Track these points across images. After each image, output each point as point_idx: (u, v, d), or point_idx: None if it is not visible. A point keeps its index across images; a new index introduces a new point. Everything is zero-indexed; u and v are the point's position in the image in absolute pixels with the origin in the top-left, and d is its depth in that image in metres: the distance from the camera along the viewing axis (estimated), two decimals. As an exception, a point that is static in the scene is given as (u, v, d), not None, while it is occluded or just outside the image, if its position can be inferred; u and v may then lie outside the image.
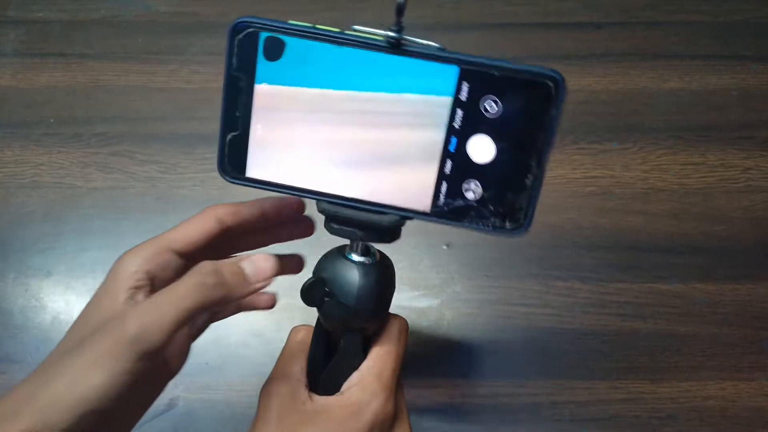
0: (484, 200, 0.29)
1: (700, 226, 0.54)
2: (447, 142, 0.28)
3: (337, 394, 0.31)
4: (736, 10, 0.63)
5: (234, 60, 0.28)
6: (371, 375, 0.31)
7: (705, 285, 0.52)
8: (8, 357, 0.50)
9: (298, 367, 0.32)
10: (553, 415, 0.48)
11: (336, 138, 0.29)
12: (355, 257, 0.32)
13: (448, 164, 0.28)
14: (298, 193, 0.30)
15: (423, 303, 0.52)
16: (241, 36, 0.28)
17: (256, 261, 0.29)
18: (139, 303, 0.28)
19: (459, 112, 0.28)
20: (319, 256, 0.34)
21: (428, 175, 0.29)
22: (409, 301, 0.52)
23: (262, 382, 0.33)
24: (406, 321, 0.34)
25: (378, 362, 0.31)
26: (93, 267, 0.53)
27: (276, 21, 0.28)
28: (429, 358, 0.50)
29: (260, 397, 0.32)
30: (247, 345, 0.49)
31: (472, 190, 0.29)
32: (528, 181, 0.28)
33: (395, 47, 0.27)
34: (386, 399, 0.30)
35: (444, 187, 0.29)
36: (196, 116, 0.59)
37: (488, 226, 0.29)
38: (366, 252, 0.32)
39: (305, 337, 0.34)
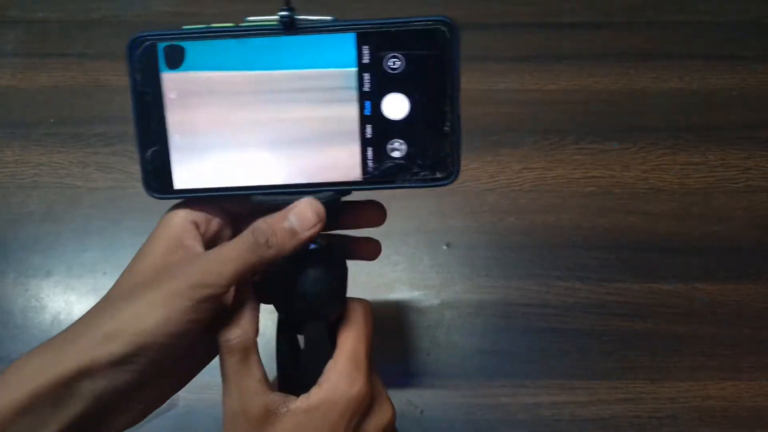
0: (411, 156, 0.30)
1: (700, 226, 0.54)
2: (362, 107, 0.29)
3: (315, 386, 0.30)
4: (736, 10, 0.63)
5: (137, 76, 0.29)
6: (345, 360, 0.30)
7: (705, 285, 0.52)
8: (8, 357, 0.50)
9: (255, 380, 0.29)
10: (553, 415, 0.48)
11: (255, 130, 0.30)
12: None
13: (368, 129, 0.29)
14: (231, 193, 0.31)
15: (423, 303, 0.52)
16: (138, 51, 0.29)
17: (301, 211, 0.30)
18: (200, 255, 0.30)
19: (366, 76, 0.29)
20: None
21: (352, 145, 0.30)
22: (409, 301, 0.52)
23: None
24: (368, 302, 0.33)
25: (349, 346, 0.31)
26: (93, 267, 0.53)
27: (170, 30, 0.29)
28: (429, 358, 0.50)
29: (224, 423, 0.30)
30: (247, 345, 0.49)
31: (398, 149, 0.30)
32: (447, 128, 0.29)
33: (290, 27, 0.28)
34: (364, 382, 0.30)
35: (370, 152, 0.30)
36: (196, 116, 0.59)
37: (420, 180, 0.30)
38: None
39: (241, 342, 0.30)
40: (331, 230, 0.35)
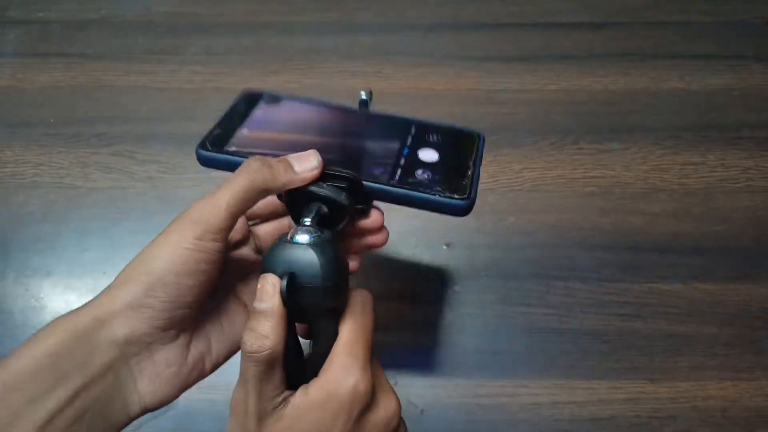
0: (434, 181, 0.34)
1: (700, 226, 0.54)
2: (401, 150, 0.36)
3: (314, 379, 0.30)
4: (736, 10, 0.63)
5: (240, 104, 0.38)
6: (342, 352, 0.30)
7: (705, 285, 0.52)
8: (8, 357, 0.50)
9: (274, 386, 0.30)
10: (553, 415, 0.48)
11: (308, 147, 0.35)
12: (302, 238, 0.31)
13: (402, 161, 0.35)
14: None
15: (423, 303, 0.52)
16: (249, 93, 0.39)
17: (303, 155, 0.32)
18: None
19: (410, 139, 0.37)
20: None
21: (386, 168, 0.35)
22: (409, 300, 0.52)
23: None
24: (368, 293, 0.33)
25: (346, 337, 0.31)
26: (93, 267, 0.53)
27: (279, 92, 0.40)
28: (429, 358, 0.50)
29: (233, 415, 0.31)
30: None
31: (422, 175, 0.35)
32: (470, 171, 0.35)
33: (365, 106, 0.39)
34: (362, 372, 0.30)
35: (399, 172, 0.34)
36: (196, 116, 0.59)
37: (438, 198, 0.33)
38: (310, 231, 0.31)
39: (271, 354, 0.29)
40: (343, 239, 0.36)
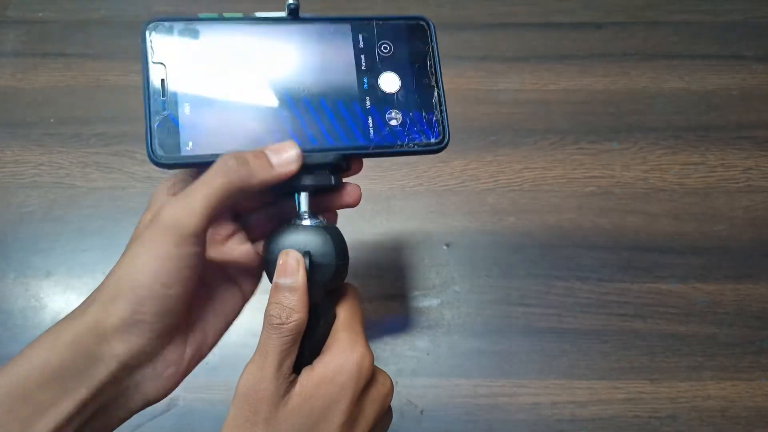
0: (407, 123, 0.34)
1: (700, 226, 0.54)
2: (360, 82, 0.34)
3: (317, 358, 0.31)
4: (736, 10, 0.63)
5: (151, 52, 0.31)
6: (345, 329, 0.31)
7: (705, 285, 0.52)
8: (8, 357, 0.50)
9: (291, 362, 0.30)
10: (553, 415, 0.48)
11: (265, 102, 0.32)
12: (311, 222, 0.32)
13: (367, 100, 0.34)
14: None
15: (423, 303, 0.52)
16: (156, 31, 0.31)
17: (280, 147, 0.31)
18: (171, 198, 0.30)
19: (362, 57, 0.34)
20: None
21: (355, 114, 0.33)
22: (409, 301, 0.52)
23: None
24: (353, 284, 0.35)
25: (345, 317, 0.32)
26: (93, 267, 0.53)
27: (186, 16, 0.32)
28: (429, 358, 0.50)
29: (240, 399, 0.30)
30: (246, 345, 0.49)
31: (395, 118, 0.34)
32: (435, 99, 0.34)
33: (295, 15, 0.33)
34: (365, 347, 0.31)
35: (370, 121, 0.33)
36: (196, 116, 0.59)
37: (417, 146, 0.34)
38: (314, 216, 0.33)
39: (298, 326, 0.29)
40: (320, 203, 0.35)
